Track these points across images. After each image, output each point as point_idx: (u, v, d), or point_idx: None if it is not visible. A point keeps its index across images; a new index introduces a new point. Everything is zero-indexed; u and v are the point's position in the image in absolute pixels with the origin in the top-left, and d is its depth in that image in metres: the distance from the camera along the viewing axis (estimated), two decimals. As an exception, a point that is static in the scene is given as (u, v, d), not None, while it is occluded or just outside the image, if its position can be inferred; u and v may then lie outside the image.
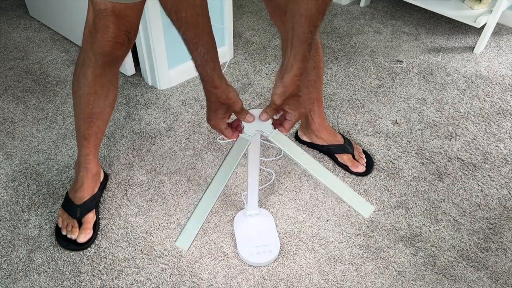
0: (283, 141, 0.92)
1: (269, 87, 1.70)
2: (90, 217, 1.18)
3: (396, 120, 1.57)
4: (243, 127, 0.93)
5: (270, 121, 0.93)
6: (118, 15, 0.91)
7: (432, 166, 1.40)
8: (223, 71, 1.77)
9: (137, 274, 1.11)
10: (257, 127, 0.93)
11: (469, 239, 1.20)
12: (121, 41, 0.95)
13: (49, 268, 1.11)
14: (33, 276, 1.10)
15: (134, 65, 1.74)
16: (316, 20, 0.79)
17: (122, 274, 1.11)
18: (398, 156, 1.43)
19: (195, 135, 1.49)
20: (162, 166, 1.38)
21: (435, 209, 1.27)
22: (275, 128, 0.92)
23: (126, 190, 1.30)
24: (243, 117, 0.92)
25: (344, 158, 1.37)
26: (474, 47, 1.95)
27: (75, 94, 1.07)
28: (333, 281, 1.10)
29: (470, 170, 1.39)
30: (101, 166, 1.29)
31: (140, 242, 1.18)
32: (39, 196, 1.28)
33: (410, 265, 1.14)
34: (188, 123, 1.54)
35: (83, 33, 0.98)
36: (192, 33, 0.78)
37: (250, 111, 0.95)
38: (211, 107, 0.88)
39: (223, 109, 0.88)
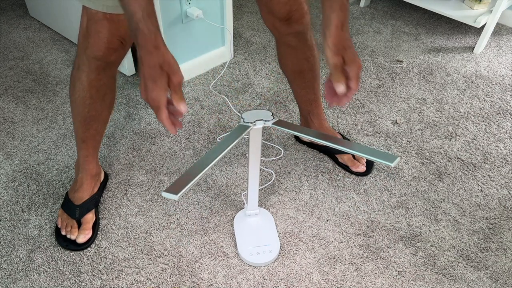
0: (286, 125, 0.91)
1: (269, 87, 1.70)
2: (90, 217, 1.18)
3: (396, 120, 1.57)
4: (243, 117, 0.93)
5: (269, 113, 0.93)
6: (111, 20, 0.90)
7: (432, 166, 1.40)
8: (222, 71, 1.77)
9: (137, 274, 1.11)
10: (256, 116, 0.92)
11: (469, 239, 1.20)
12: (114, 46, 0.94)
13: (49, 268, 1.11)
14: (33, 276, 1.10)
15: (134, 65, 1.74)
16: None
17: (122, 274, 1.11)
18: (398, 156, 1.43)
19: (195, 135, 1.49)
20: (162, 166, 1.38)
21: (435, 209, 1.27)
22: (346, 94, 0.81)
23: (126, 190, 1.30)
24: (178, 99, 0.74)
25: (344, 158, 1.37)
26: (474, 47, 1.95)
27: (71, 98, 1.07)
28: (333, 281, 1.11)
29: (470, 170, 1.39)
30: (101, 166, 1.29)
31: (140, 242, 1.18)
32: (39, 196, 1.28)
33: (410, 265, 1.14)
34: (188, 123, 1.54)
35: (78, 37, 0.97)
36: None
37: (250, 111, 0.95)
38: (150, 75, 0.72)
39: (164, 78, 0.72)
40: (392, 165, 0.80)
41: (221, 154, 0.84)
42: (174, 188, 0.75)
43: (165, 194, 0.74)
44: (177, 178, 0.78)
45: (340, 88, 0.79)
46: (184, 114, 0.75)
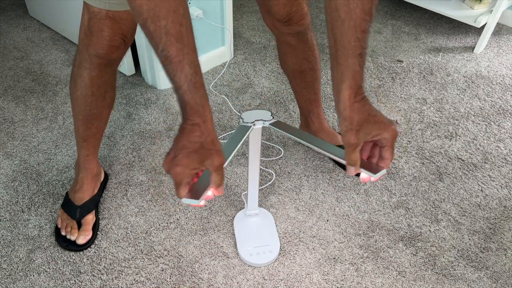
0: (284, 127, 0.91)
1: (269, 87, 1.70)
2: (90, 218, 1.18)
3: (396, 120, 1.57)
4: (242, 118, 0.92)
5: (269, 113, 0.93)
6: (113, 18, 0.90)
7: (432, 166, 1.40)
8: (222, 71, 1.77)
9: (137, 274, 1.11)
10: (256, 117, 0.92)
11: (469, 239, 1.20)
12: (116, 44, 0.94)
13: (49, 268, 1.11)
14: (33, 276, 1.10)
15: (134, 65, 1.74)
16: (362, 22, 0.62)
17: (122, 274, 1.11)
18: (398, 156, 1.43)
19: (195, 135, 1.49)
20: (162, 166, 1.38)
21: (435, 209, 1.27)
22: (375, 168, 0.71)
23: (126, 190, 1.30)
24: (218, 183, 0.68)
25: (344, 158, 1.36)
26: (474, 47, 1.95)
27: (72, 95, 1.07)
28: (333, 281, 1.10)
29: (470, 170, 1.39)
30: (101, 166, 1.29)
31: (140, 242, 1.17)
32: (39, 196, 1.28)
33: (410, 265, 1.14)
34: (188, 123, 1.53)
35: (79, 34, 0.97)
36: (175, 48, 0.61)
37: (249, 111, 0.95)
38: (186, 148, 0.64)
39: (199, 158, 0.65)
40: (376, 176, 0.71)
41: (231, 157, 0.83)
42: (192, 194, 0.69)
43: (186, 201, 0.68)
44: (194, 184, 0.71)
45: (351, 172, 0.69)
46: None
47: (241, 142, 0.87)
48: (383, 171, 0.70)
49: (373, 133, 0.66)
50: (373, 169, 0.70)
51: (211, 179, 0.68)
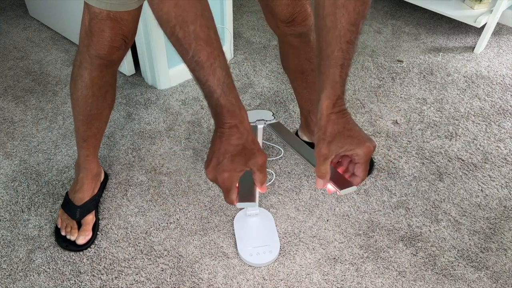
0: (280, 130, 0.90)
1: (269, 87, 1.70)
2: (90, 218, 1.18)
3: (396, 120, 1.57)
4: None
5: (270, 113, 0.93)
6: (114, 19, 0.90)
7: (432, 166, 1.40)
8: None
9: (137, 274, 1.11)
10: (258, 117, 0.92)
11: (469, 239, 1.20)
12: (117, 45, 0.94)
13: (49, 268, 1.11)
14: (33, 276, 1.10)
15: (134, 65, 1.74)
16: (347, 33, 0.61)
17: (122, 274, 1.11)
18: (399, 156, 1.43)
19: (195, 135, 1.49)
20: (162, 166, 1.38)
21: (435, 209, 1.27)
22: (344, 183, 0.68)
23: (126, 190, 1.30)
24: (262, 180, 0.67)
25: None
26: (474, 47, 1.94)
27: (73, 96, 1.07)
28: (333, 281, 1.10)
29: (471, 170, 1.39)
30: (101, 166, 1.29)
31: (140, 242, 1.17)
32: (39, 196, 1.28)
33: (410, 265, 1.14)
34: (188, 123, 1.53)
35: (79, 34, 0.97)
36: (205, 52, 0.59)
37: (252, 111, 0.94)
38: (228, 152, 0.63)
39: (243, 158, 0.64)
40: (341, 193, 0.67)
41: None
42: (243, 196, 0.68)
43: (242, 205, 0.66)
44: (239, 188, 0.68)
45: (319, 184, 0.66)
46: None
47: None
48: (352, 188, 0.66)
49: (345, 147, 0.64)
50: (342, 184, 0.66)
51: (255, 178, 0.66)
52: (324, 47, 0.63)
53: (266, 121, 0.91)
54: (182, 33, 0.58)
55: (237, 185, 0.66)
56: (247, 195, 0.67)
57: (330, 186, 0.68)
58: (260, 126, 0.93)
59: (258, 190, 0.69)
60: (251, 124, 0.91)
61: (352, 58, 0.64)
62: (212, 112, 0.65)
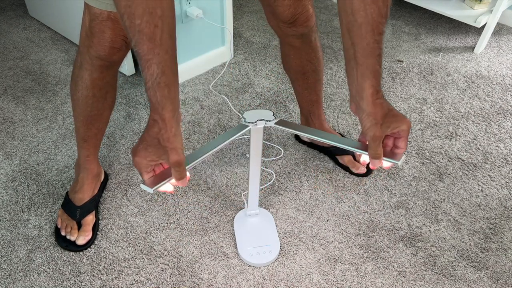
0: (289, 125, 0.91)
1: (269, 87, 1.70)
2: (90, 218, 1.18)
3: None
4: (244, 117, 0.93)
5: (271, 113, 0.93)
6: (115, 20, 0.90)
7: (432, 166, 1.40)
8: (222, 71, 1.77)
9: (137, 274, 1.11)
10: (258, 116, 0.92)
11: (469, 239, 1.20)
12: (118, 46, 0.94)
13: (49, 268, 1.11)
14: (33, 276, 1.10)
15: (134, 65, 1.74)
16: (379, 25, 0.66)
17: (122, 274, 1.11)
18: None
19: (195, 135, 1.49)
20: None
21: (435, 209, 1.27)
22: (395, 156, 0.75)
23: (126, 190, 1.30)
24: (177, 178, 0.71)
25: (345, 159, 1.37)
26: (474, 47, 1.95)
27: (73, 96, 1.06)
28: (333, 281, 1.10)
29: (471, 170, 1.39)
30: (101, 166, 1.29)
31: (140, 242, 1.17)
32: (39, 196, 1.28)
33: (410, 265, 1.14)
34: (188, 123, 1.53)
35: (79, 35, 0.97)
36: (146, 47, 0.63)
37: (251, 111, 0.94)
38: (145, 140, 0.69)
39: (156, 152, 0.70)
40: (399, 163, 0.76)
41: (209, 153, 0.83)
42: (152, 181, 0.74)
43: (143, 186, 0.74)
44: (161, 171, 0.76)
45: (377, 164, 0.73)
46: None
47: (229, 140, 0.87)
48: (403, 157, 0.75)
49: (393, 126, 0.71)
50: (395, 157, 0.75)
51: (172, 173, 0.71)
52: (357, 41, 0.67)
53: (267, 120, 0.92)
54: (128, 23, 0.62)
55: (148, 170, 0.73)
56: (154, 181, 0.73)
57: (387, 163, 0.75)
58: (261, 126, 0.93)
59: (170, 185, 0.75)
60: (247, 124, 0.91)
61: (382, 51, 0.70)
62: None
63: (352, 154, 1.37)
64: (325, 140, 0.88)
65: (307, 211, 1.26)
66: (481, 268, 1.14)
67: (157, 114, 0.67)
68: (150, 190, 0.72)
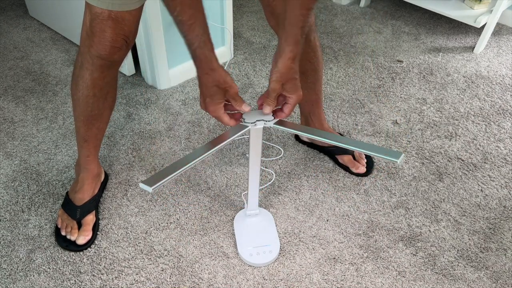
0: (288, 125, 0.92)
1: (269, 87, 1.70)
2: (90, 218, 1.18)
3: (396, 120, 1.57)
4: (244, 117, 0.93)
5: (270, 113, 0.94)
6: (115, 19, 0.90)
7: (432, 166, 1.40)
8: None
9: (137, 274, 1.11)
10: (257, 117, 0.93)
11: (469, 239, 1.20)
12: (118, 45, 0.94)
13: (49, 268, 1.11)
14: (33, 276, 1.10)
15: (134, 65, 1.74)
16: (308, 2, 0.79)
17: (122, 274, 1.11)
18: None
19: (195, 135, 1.49)
20: (162, 166, 1.38)
21: (435, 209, 1.27)
22: (274, 117, 0.92)
23: (126, 190, 1.30)
24: (238, 104, 0.89)
25: (344, 159, 1.37)
26: (474, 47, 1.95)
27: (74, 96, 1.07)
28: (333, 281, 1.10)
29: (470, 170, 1.39)
30: (101, 166, 1.29)
31: (140, 242, 1.18)
32: (39, 196, 1.28)
33: (410, 265, 1.14)
34: (188, 123, 1.54)
35: (80, 35, 0.97)
36: (187, 14, 0.77)
37: (252, 111, 0.95)
38: (207, 92, 0.86)
39: (220, 94, 0.87)
40: (398, 161, 0.82)
41: (209, 152, 0.86)
42: (151, 181, 0.78)
43: (142, 185, 0.78)
44: (159, 171, 0.80)
45: (267, 110, 0.90)
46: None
47: (228, 140, 0.89)
48: (402, 156, 0.83)
49: (287, 90, 0.88)
50: (277, 115, 0.93)
51: (233, 104, 0.90)
52: (289, 11, 0.80)
53: (266, 121, 0.92)
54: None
55: (223, 111, 0.88)
56: (152, 180, 0.79)
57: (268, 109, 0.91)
58: (260, 126, 0.93)
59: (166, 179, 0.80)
60: (247, 124, 0.92)
61: (309, 22, 0.90)
62: (193, 62, 0.85)
63: (352, 154, 1.37)
64: (324, 139, 0.89)
65: (307, 211, 1.26)
66: (481, 268, 1.14)
67: (207, 67, 0.82)
68: (150, 190, 0.77)
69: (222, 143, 0.87)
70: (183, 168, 0.81)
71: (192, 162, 0.82)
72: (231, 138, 0.89)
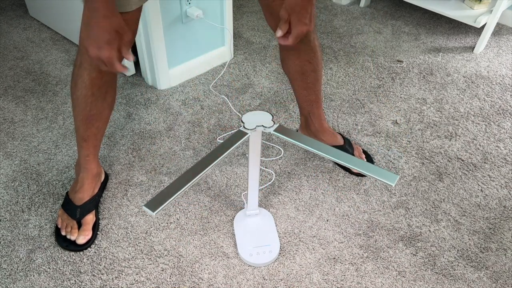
0: (287, 133, 0.92)
1: (269, 87, 1.70)
2: (90, 218, 1.18)
3: (396, 120, 1.57)
4: (243, 122, 0.93)
5: (270, 116, 0.94)
6: None
7: (432, 166, 1.40)
8: (222, 72, 1.77)
9: (137, 274, 1.11)
10: (258, 122, 0.93)
11: (469, 239, 1.20)
12: None
13: (49, 268, 1.11)
14: (33, 276, 1.10)
15: (134, 65, 1.74)
16: None
17: (122, 274, 1.11)
18: (398, 156, 1.43)
19: (195, 135, 1.49)
20: (162, 166, 1.38)
21: (435, 209, 1.27)
22: (281, 43, 0.95)
23: (126, 190, 1.30)
24: (127, 53, 0.87)
25: (344, 158, 1.36)
26: (474, 47, 1.95)
27: (73, 96, 1.07)
28: (333, 281, 1.10)
29: (470, 170, 1.39)
30: (101, 166, 1.29)
31: (140, 242, 1.18)
32: (39, 196, 1.28)
33: (410, 265, 1.14)
34: (188, 123, 1.54)
35: (79, 34, 0.97)
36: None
37: (250, 114, 0.95)
38: (104, 38, 0.82)
39: (117, 40, 0.84)
40: (393, 185, 0.85)
41: (212, 164, 0.86)
42: (154, 204, 0.79)
43: (145, 209, 0.78)
44: (161, 190, 0.80)
45: (278, 33, 0.95)
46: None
47: (229, 150, 0.89)
48: (398, 177, 0.86)
49: (292, 22, 0.92)
50: (286, 41, 0.97)
51: (122, 51, 0.86)
52: None
53: (266, 127, 0.92)
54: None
55: (118, 58, 0.85)
56: (155, 203, 0.79)
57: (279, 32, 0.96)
58: (259, 131, 0.95)
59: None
60: (247, 131, 0.92)
61: None
62: (89, 5, 0.82)
63: (352, 154, 1.37)
64: (321, 154, 0.89)
65: (307, 211, 1.26)
66: (481, 268, 1.14)
67: (109, 10, 0.80)
68: (152, 214, 0.78)
69: (222, 154, 0.87)
70: (185, 187, 0.82)
71: (195, 179, 0.83)
72: (232, 148, 0.89)
